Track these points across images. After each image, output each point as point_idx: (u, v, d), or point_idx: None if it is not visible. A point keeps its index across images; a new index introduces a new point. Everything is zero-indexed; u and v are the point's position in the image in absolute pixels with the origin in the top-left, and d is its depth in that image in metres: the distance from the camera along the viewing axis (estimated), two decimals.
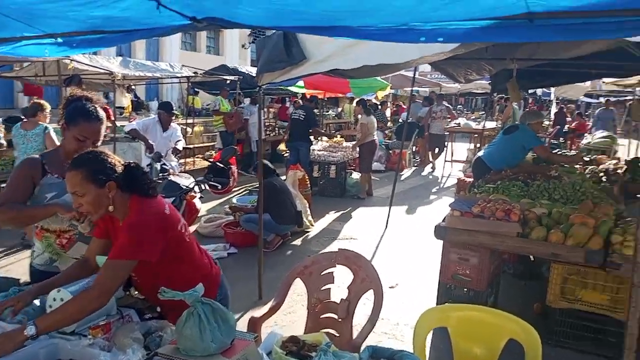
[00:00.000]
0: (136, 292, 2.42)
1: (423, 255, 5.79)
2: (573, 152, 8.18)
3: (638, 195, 5.87)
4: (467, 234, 4.04)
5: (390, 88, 12.71)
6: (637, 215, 4.33)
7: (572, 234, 3.72)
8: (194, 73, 10.51)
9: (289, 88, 10.32)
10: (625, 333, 1.49)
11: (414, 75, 8.01)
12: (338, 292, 2.99)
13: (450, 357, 2.27)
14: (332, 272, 2.96)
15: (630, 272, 3.49)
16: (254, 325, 2.68)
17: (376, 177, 10.60)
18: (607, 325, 3.76)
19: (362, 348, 1.81)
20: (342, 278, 3.06)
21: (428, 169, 12.74)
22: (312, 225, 7.18)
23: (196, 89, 14.24)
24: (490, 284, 4.32)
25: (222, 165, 5.53)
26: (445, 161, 12.47)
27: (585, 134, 13.72)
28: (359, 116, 9.60)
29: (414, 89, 9.86)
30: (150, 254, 2.06)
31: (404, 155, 12.59)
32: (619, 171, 5.92)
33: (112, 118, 9.51)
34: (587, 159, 6.46)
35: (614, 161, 6.67)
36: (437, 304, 4.33)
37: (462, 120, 14.59)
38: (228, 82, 11.18)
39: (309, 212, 7.21)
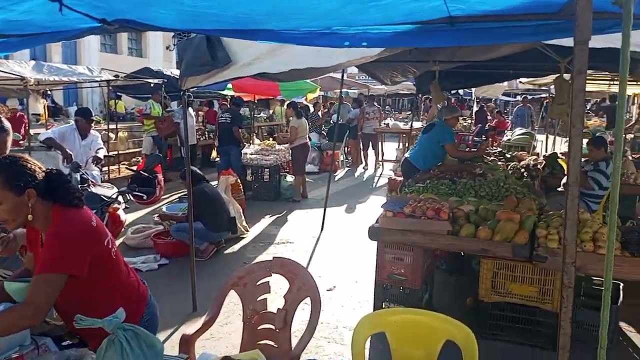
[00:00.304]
0: (55, 315, 2.22)
1: (359, 256, 5.82)
2: (495, 149, 8.54)
3: (558, 189, 6.24)
4: (400, 234, 4.08)
5: (320, 90, 12.76)
6: (558, 208, 4.61)
7: (499, 230, 3.85)
8: (114, 76, 10.00)
9: (219, 91, 10.04)
10: (557, 332, 1.52)
11: (342, 77, 8.06)
12: (275, 301, 2.91)
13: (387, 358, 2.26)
14: (267, 282, 2.87)
15: (555, 265, 3.69)
16: (187, 343, 2.54)
17: (310, 179, 10.59)
18: (536, 315, 3.93)
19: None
20: (279, 285, 2.98)
21: (360, 169, 12.94)
22: (247, 230, 7.04)
23: (118, 93, 13.61)
24: (424, 281, 4.40)
25: (146, 174, 5.24)
26: (377, 161, 12.69)
27: (506, 131, 14.47)
28: (290, 118, 9.54)
29: (343, 90, 9.95)
30: (79, 268, 1.92)
31: (336, 157, 12.74)
32: (538, 166, 6.25)
33: (26, 126, 8.87)
34: (508, 156, 6.77)
35: (534, 157, 7.05)
36: (374, 304, 4.36)
37: (390, 121, 14.96)
38: (152, 85, 10.75)
39: (243, 217, 7.05)
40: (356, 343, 2.23)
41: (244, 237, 6.85)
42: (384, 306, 4.35)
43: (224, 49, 4.06)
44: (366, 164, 13.03)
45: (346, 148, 13.40)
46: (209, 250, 6.00)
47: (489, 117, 16.67)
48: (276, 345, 2.76)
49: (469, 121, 15.83)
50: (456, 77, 7.43)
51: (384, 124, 13.54)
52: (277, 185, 9.28)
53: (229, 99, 12.08)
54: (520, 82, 10.13)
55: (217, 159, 11.02)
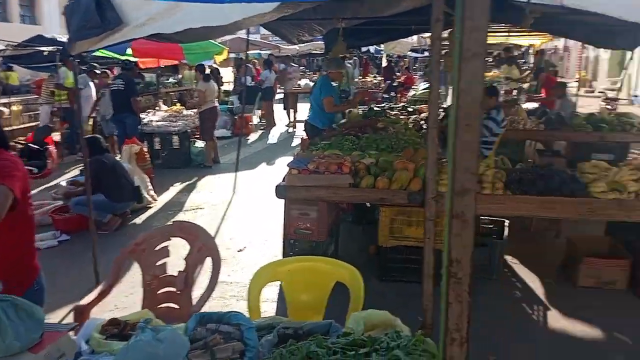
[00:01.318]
0: None
1: (271, 215, 5.89)
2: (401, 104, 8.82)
3: None
4: (305, 190, 4.17)
5: (229, 52, 12.41)
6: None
7: (395, 179, 4.06)
8: (5, 46, 9.10)
9: (118, 54, 9.40)
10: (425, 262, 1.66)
11: (248, 37, 7.88)
12: (178, 265, 2.90)
13: (284, 308, 2.36)
14: (166, 247, 2.85)
15: (444, 208, 3.97)
16: (81, 313, 2.49)
17: (223, 143, 10.43)
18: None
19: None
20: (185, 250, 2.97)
21: (274, 131, 12.88)
22: (155, 200, 6.85)
23: (9, 64, 12.42)
24: (330, 233, 4.57)
25: (36, 147, 4.90)
26: (290, 122, 12.69)
27: (413, 87, 14.97)
28: (199, 82, 9.23)
29: (254, 52, 9.78)
30: (16, 188, 1.90)
31: (249, 120, 12.59)
32: (438, 118, 6.56)
33: None
34: (411, 110, 7.05)
35: None
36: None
37: (303, 82, 14.94)
38: (45, 53, 9.90)
39: (150, 186, 6.84)
40: (251, 294, 2.30)
41: (151, 207, 6.67)
42: None
43: (114, 10, 3.83)
44: (294, 124, 12.96)
45: (260, 111, 13.25)
46: (113, 222, 5.79)
47: (397, 73, 17.13)
48: (178, 307, 2.78)
49: (379, 78, 16.17)
50: (363, 34, 7.51)
51: (297, 84, 13.53)
52: (188, 151, 9.05)
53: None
54: (422, 37, 10.44)
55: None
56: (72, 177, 7.45)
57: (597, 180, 3.83)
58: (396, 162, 4.18)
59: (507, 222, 4.70)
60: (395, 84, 16.10)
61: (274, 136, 12.46)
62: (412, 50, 20.10)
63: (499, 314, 3.80)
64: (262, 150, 10.65)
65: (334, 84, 6.29)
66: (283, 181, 4.31)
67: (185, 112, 10.10)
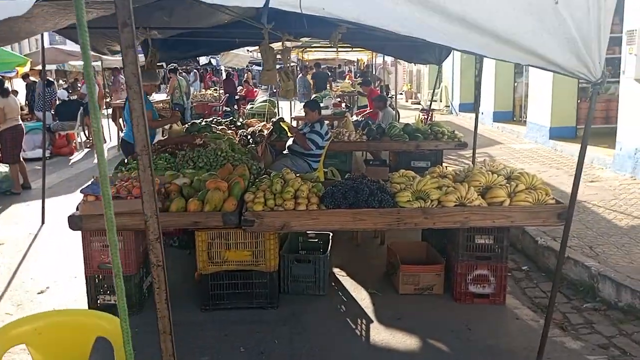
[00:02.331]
0: None
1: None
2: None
3: (283, 152, 6.56)
4: (104, 219, 3.68)
5: (33, 64, 11.11)
6: (279, 170, 4.80)
7: (208, 200, 3.78)
8: None
9: None
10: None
11: (43, 48, 6.93)
12: None
13: None
14: None
15: (261, 227, 3.78)
16: None
17: (37, 165, 9.19)
18: (253, 278, 4.02)
19: None
20: None
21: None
22: None
23: None
24: (142, 265, 4.13)
25: None
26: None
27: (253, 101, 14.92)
28: None
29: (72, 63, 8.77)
30: None
31: (72, 138, 11.36)
32: (264, 132, 6.47)
33: None
34: (239, 124, 6.86)
35: (263, 123, 7.30)
36: (88, 301, 3.92)
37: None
38: None
39: None
40: None
41: None
42: (99, 301, 3.95)
43: None
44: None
45: (83, 127, 12.00)
46: None
47: (238, 87, 16.95)
48: None
49: (220, 91, 15.83)
50: (181, 46, 7.16)
51: (122, 99, 12.62)
52: None
53: None
54: (248, 50, 10.40)
55: None
56: None
57: (404, 190, 3.97)
58: (208, 182, 3.91)
59: (331, 235, 4.71)
60: (237, 97, 15.93)
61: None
62: (254, 64, 20.15)
63: (325, 332, 3.72)
64: (85, 172, 9.59)
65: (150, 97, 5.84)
66: (77, 210, 3.78)
67: None
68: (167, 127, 6.44)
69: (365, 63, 14.08)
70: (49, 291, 4.49)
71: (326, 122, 6.96)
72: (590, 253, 4.59)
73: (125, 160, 5.11)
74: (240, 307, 4.04)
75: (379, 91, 10.45)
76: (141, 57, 13.54)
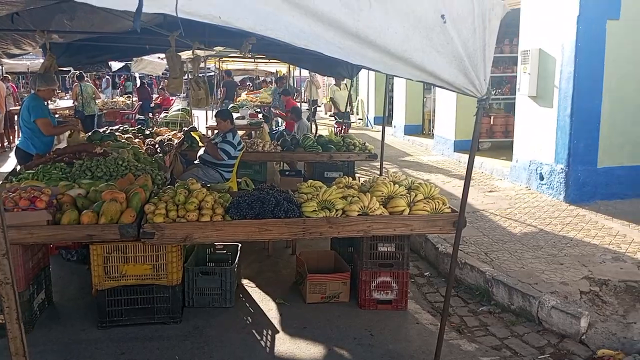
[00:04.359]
0: None
1: None
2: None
3: (194, 162, 6.41)
4: None
5: None
6: (187, 179, 4.66)
7: (103, 212, 3.59)
8: None
9: None
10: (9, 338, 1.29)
11: None
12: None
13: None
14: None
15: (162, 239, 3.65)
16: None
17: None
18: (154, 292, 3.86)
19: None
20: None
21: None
22: None
23: None
24: (33, 281, 3.83)
25: None
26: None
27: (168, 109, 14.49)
28: None
29: None
30: None
31: None
32: (173, 142, 6.29)
33: None
34: (148, 133, 6.62)
35: (173, 132, 7.10)
36: None
37: None
38: None
39: None
40: None
41: None
42: None
43: None
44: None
45: None
46: None
47: (153, 95, 16.40)
48: None
49: (133, 98, 15.23)
50: (88, 51, 6.82)
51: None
52: None
53: None
54: (159, 57, 10.12)
55: None
56: None
57: (310, 200, 4.01)
58: (104, 193, 3.72)
59: (240, 246, 4.65)
60: (152, 104, 15.40)
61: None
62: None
63: (230, 346, 3.65)
64: None
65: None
66: None
67: None
68: (66, 135, 6.07)
69: (284, 74, 14.17)
70: None
71: (241, 132, 6.91)
72: (485, 259, 4.87)
73: (17, 169, 4.74)
74: (140, 322, 3.87)
75: (295, 102, 10.53)
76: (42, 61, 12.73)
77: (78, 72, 11.64)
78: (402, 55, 2.62)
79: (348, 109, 11.51)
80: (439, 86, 2.87)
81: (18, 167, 5.15)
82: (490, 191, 7.61)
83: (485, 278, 4.51)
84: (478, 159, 8.68)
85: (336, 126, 10.32)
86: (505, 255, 4.97)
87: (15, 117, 11.04)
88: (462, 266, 4.75)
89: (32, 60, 14.86)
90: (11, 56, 6.34)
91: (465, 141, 10.10)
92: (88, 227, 3.56)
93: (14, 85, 15.21)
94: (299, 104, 10.61)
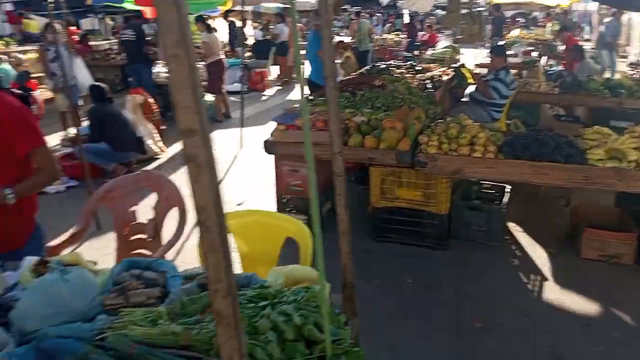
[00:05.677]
0: None
1: (272, 172, 5.89)
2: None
3: (462, 99, 6.42)
4: (293, 146, 4.13)
5: (246, 4, 12.11)
6: (456, 115, 4.74)
7: (384, 139, 3.96)
8: None
9: (117, 4, 9.18)
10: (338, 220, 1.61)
11: None
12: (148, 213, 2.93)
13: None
14: (135, 194, 2.87)
15: (434, 169, 3.86)
16: (50, 254, 2.54)
17: (236, 98, 10.36)
18: (423, 218, 4.15)
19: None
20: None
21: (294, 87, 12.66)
22: (164, 151, 6.92)
23: (21, 11, 12.42)
24: (323, 191, 4.52)
25: (20, 92, 4.96)
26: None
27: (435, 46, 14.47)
28: (202, 34, 9.06)
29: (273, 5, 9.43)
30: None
31: (265, 75, 12.44)
32: (443, 78, 6.36)
33: None
34: (419, 69, 6.83)
35: (443, 69, 7.14)
36: None
37: None
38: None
39: (157, 137, 6.90)
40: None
41: (159, 158, 6.75)
42: None
43: None
44: None
45: (277, 66, 12.98)
46: (118, 171, 5.88)
47: (420, 32, 16.54)
48: (150, 253, 2.81)
49: (402, 36, 15.66)
50: None
51: None
52: None
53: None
54: None
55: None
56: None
57: (596, 147, 3.66)
58: (384, 122, 4.07)
59: (508, 188, 4.55)
60: (417, 42, 15.59)
61: (293, 92, 12.26)
62: (438, 8, 19.34)
63: (494, 281, 3.74)
64: (277, 106, 10.54)
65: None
66: (271, 136, 4.27)
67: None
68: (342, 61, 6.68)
69: (567, 8, 12.56)
70: (245, 204, 5.22)
71: (513, 71, 6.55)
72: None
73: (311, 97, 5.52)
74: (409, 243, 4.21)
75: (576, 40, 9.32)
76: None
77: (357, 9, 12.45)
78: None
79: None
80: None
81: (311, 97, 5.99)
82: None
83: None
84: None
85: (629, 68, 8.81)
86: None
87: None
88: None
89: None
90: None
91: None
92: (370, 151, 3.99)
93: None
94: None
